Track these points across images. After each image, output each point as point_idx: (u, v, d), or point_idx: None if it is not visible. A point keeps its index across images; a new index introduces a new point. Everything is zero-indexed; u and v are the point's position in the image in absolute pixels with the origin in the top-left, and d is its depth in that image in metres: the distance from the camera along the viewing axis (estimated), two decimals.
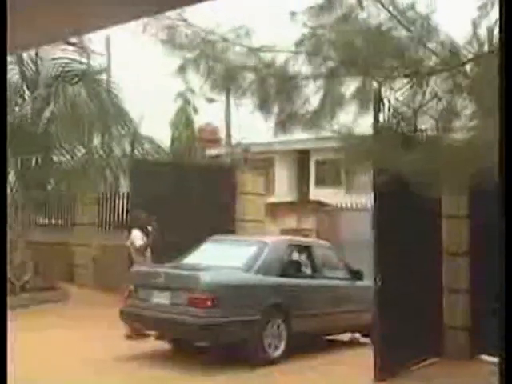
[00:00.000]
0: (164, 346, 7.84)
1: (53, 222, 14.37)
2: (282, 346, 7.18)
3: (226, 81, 5.51)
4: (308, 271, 8.11)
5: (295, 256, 8.10)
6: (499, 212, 2.08)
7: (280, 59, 5.41)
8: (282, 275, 7.53)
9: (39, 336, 8.39)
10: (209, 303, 6.61)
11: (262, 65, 5.40)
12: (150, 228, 8.71)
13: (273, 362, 7.02)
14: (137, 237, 8.65)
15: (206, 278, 6.87)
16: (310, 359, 7.32)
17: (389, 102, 5.95)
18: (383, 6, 5.12)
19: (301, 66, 5.35)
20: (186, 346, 7.69)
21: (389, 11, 5.12)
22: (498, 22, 2.36)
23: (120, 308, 7.59)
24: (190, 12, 5.10)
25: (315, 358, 7.44)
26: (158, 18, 4.86)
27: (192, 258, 7.82)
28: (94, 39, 13.41)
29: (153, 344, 7.88)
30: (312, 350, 7.69)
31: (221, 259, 7.61)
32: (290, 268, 7.78)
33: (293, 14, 5.21)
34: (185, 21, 5.24)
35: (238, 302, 6.91)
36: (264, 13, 11.96)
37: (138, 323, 7.63)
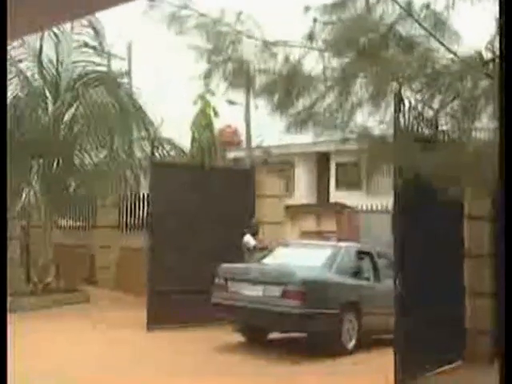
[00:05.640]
0: (238, 338, 8.35)
1: (75, 224, 14.50)
2: (354, 340, 7.99)
3: (242, 78, 5.48)
4: (371, 276, 8.77)
5: (362, 261, 8.77)
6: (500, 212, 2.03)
7: (294, 55, 5.36)
8: (352, 277, 8.36)
9: (62, 337, 8.46)
10: (301, 296, 7.43)
11: (276, 62, 5.35)
12: (260, 233, 9.56)
13: (347, 353, 7.79)
14: (251, 239, 9.47)
15: (300, 273, 7.68)
16: (376, 353, 7.83)
17: (409, 102, 5.86)
18: (398, 3, 5.06)
19: (316, 63, 5.29)
20: (261, 339, 8.40)
21: (405, 9, 5.06)
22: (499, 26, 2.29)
23: (212, 300, 8.23)
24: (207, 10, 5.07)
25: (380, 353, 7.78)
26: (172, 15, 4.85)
27: (270, 259, 8.60)
28: (116, 43, 13.51)
29: (225, 337, 8.37)
30: (377, 346, 8.14)
31: (298, 260, 8.38)
32: (359, 271, 8.58)
33: (307, 8, 5.17)
34: (202, 15, 5.23)
35: (322, 296, 7.78)
36: (276, 7, 11.90)
37: (228, 313, 8.22)
